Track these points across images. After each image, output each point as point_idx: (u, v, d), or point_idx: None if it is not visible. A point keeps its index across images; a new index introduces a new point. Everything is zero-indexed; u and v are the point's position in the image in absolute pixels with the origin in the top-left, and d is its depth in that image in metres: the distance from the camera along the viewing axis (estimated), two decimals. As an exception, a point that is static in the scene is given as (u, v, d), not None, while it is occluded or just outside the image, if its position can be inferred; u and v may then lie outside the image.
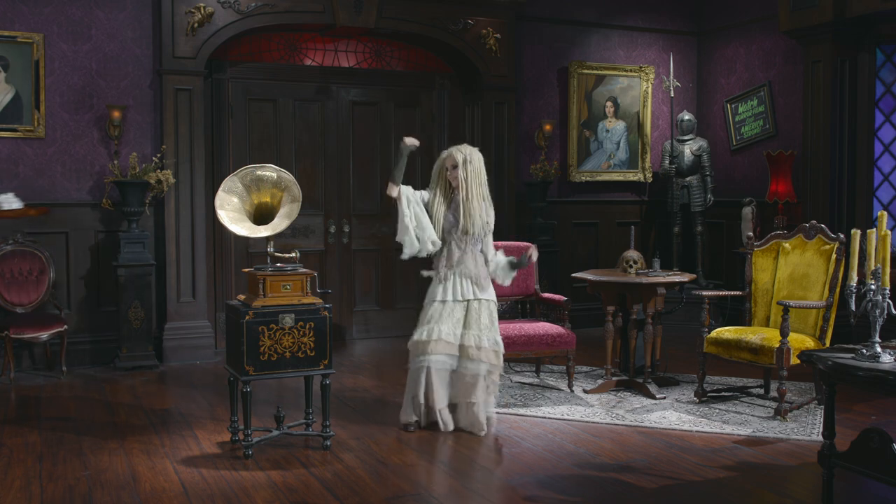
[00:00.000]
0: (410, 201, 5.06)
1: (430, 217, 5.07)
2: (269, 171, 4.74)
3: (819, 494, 3.92)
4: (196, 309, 7.28)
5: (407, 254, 5.07)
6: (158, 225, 7.22)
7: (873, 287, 3.71)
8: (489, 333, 5.03)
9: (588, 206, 9.08)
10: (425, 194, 5.15)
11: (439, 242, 5.07)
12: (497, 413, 5.46)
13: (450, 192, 5.11)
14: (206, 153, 7.39)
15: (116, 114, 6.95)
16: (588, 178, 8.99)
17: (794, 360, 5.21)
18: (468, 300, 5.04)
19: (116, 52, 7.13)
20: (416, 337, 5.03)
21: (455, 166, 5.03)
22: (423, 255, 5.11)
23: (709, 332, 5.72)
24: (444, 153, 5.13)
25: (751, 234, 6.30)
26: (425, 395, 5.00)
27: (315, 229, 8.10)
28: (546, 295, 6.39)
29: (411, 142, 5.03)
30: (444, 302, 5.01)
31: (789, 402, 5.49)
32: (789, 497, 4.10)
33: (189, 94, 7.20)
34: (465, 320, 5.01)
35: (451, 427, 5.07)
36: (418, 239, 5.04)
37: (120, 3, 7.13)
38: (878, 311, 3.71)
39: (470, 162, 5.03)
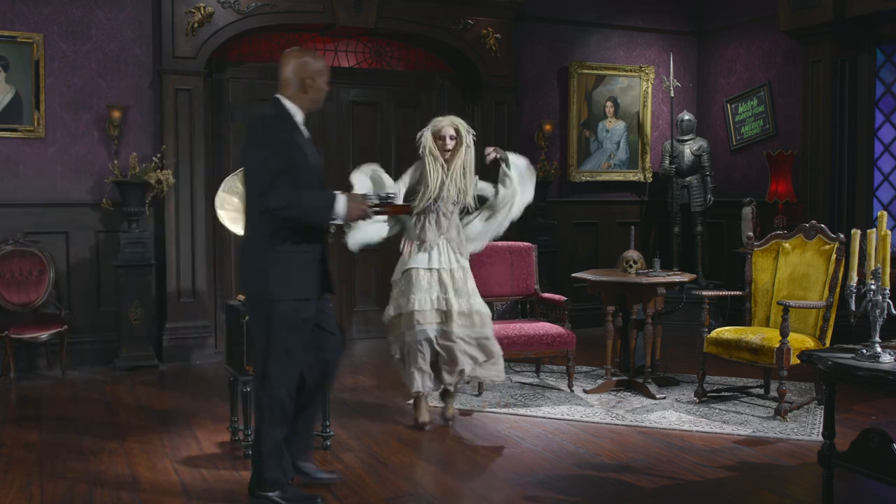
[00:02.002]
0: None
1: (416, 190, 5.05)
2: (269, 171, 4.74)
3: (819, 494, 3.92)
4: (196, 309, 7.28)
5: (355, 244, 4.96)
6: (158, 225, 7.22)
7: (873, 287, 3.71)
8: (477, 298, 5.08)
9: (588, 206, 9.08)
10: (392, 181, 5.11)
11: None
12: (497, 413, 5.47)
13: (438, 162, 5.07)
14: (206, 153, 7.39)
15: (116, 114, 6.95)
16: (588, 178, 8.99)
17: (794, 360, 5.20)
18: (452, 268, 5.05)
19: (116, 52, 7.13)
20: (410, 307, 4.97)
21: (453, 137, 5.05)
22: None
23: (709, 332, 5.72)
24: (436, 123, 5.10)
25: (751, 234, 6.30)
26: (429, 364, 5.00)
27: (315, 229, 8.08)
28: (546, 295, 6.39)
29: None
30: (430, 269, 5.02)
31: (789, 402, 5.49)
32: (789, 497, 4.10)
33: (189, 94, 7.20)
34: (453, 287, 5.01)
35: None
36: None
37: (120, 3, 7.13)
38: (878, 311, 3.71)
39: (468, 131, 5.11)
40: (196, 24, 7.15)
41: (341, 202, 3.71)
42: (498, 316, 6.82)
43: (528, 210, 8.36)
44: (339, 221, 3.74)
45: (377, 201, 3.95)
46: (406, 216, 5.13)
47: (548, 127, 8.62)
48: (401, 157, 8.40)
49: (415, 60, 8.49)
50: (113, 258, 6.99)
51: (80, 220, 7.04)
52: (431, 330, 4.97)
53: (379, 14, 7.73)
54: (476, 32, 8.21)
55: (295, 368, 3.80)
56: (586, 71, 8.90)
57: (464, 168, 5.09)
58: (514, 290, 6.36)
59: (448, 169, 5.06)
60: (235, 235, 4.64)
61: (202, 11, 7.15)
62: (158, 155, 7.06)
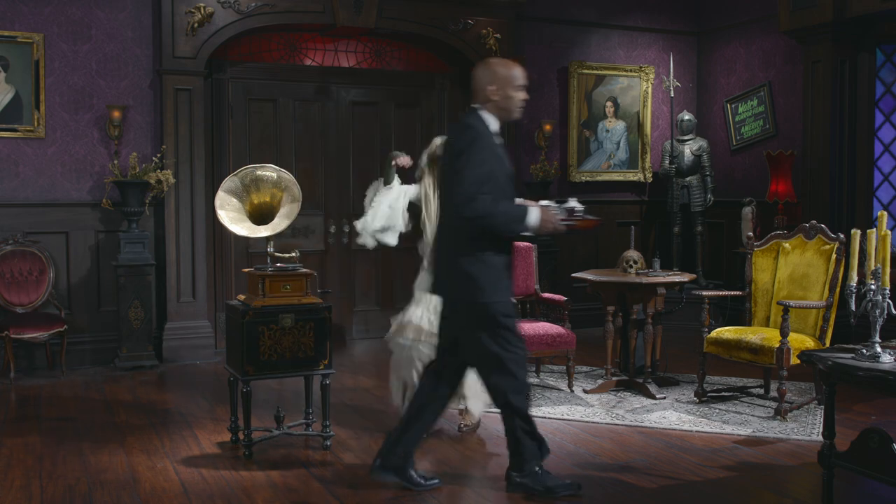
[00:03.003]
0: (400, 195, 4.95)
1: (423, 209, 4.93)
2: (269, 171, 4.74)
3: (819, 494, 3.92)
4: (196, 309, 7.28)
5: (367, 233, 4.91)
6: (158, 225, 7.22)
7: (873, 287, 3.71)
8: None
9: (588, 206, 9.01)
10: (411, 190, 5.02)
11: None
12: (497, 413, 5.43)
13: (435, 184, 4.91)
14: (206, 153, 7.39)
15: (116, 114, 6.95)
16: (588, 178, 8.99)
17: (794, 360, 5.20)
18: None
19: (116, 52, 7.13)
20: (404, 319, 4.93)
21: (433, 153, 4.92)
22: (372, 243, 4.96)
23: (709, 332, 5.72)
24: (438, 142, 4.97)
25: (751, 234, 6.30)
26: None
27: (315, 229, 8.10)
28: (546, 295, 6.39)
29: (403, 161, 4.90)
30: (430, 292, 4.87)
31: (789, 402, 5.49)
32: (789, 497, 4.10)
33: (189, 94, 7.21)
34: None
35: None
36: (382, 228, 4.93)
37: (120, 3, 7.13)
38: (878, 311, 3.71)
39: None
40: (196, 24, 7.15)
41: (534, 215, 3.82)
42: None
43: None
44: (529, 233, 3.85)
45: (566, 214, 3.99)
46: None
47: (548, 127, 8.62)
48: (401, 157, 8.40)
49: (415, 60, 8.49)
50: (113, 258, 6.99)
51: (80, 220, 7.04)
52: (423, 346, 4.82)
53: (379, 14, 7.73)
54: (476, 32, 8.21)
55: (524, 350, 3.99)
56: (586, 71, 8.90)
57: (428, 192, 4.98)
58: (514, 289, 6.35)
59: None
60: (234, 235, 4.62)
61: (202, 11, 7.15)
62: (158, 155, 7.06)
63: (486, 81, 3.88)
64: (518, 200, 4.00)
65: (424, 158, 5.03)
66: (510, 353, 3.90)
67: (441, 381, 4.08)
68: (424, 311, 4.88)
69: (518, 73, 3.91)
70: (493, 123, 3.89)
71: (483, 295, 3.84)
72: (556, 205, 4.01)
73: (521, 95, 3.93)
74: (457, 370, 4.11)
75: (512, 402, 3.95)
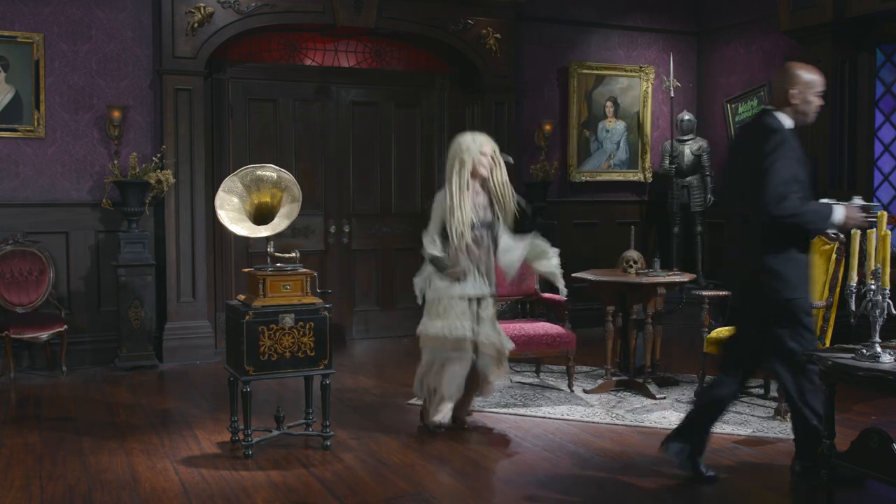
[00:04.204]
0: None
1: (452, 213, 4.84)
2: (269, 171, 4.74)
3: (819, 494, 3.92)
4: (196, 309, 7.28)
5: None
6: (158, 225, 7.22)
7: (873, 287, 3.71)
8: (494, 330, 4.98)
9: (588, 206, 9.08)
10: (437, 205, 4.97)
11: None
12: (497, 413, 5.47)
13: (472, 182, 4.91)
14: (206, 153, 7.39)
15: (116, 114, 6.95)
16: (588, 178, 8.99)
17: (794, 360, 5.19)
18: (483, 296, 4.94)
19: (116, 52, 7.13)
20: (440, 332, 4.84)
21: (491, 155, 4.91)
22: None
23: (709, 332, 5.71)
24: (471, 139, 4.90)
25: (751, 234, 6.29)
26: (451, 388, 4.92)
27: (315, 229, 8.10)
28: (546, 295, 6.39)
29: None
30: (462, 298, 4.86)
31: (789, 402, 5.48)
32: (789, 497, 4.10)
33: (189, 94, 7.20)
34: (479, 315, 4.92)
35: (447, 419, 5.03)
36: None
37: (120, 3, 7.13)
38: (878, 311, 3.70)
39: (503, 155, 5.00)
40: (196, 24, 7.15)
41: (839, 213, 3.95)
42: (498, 316, 6.80)
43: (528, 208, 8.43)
44: (833, 231, 4.03)
45: (864, 213, 4.07)
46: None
47: (548, 127, 8.62)
48: (401, 157, 8.41)
49: (415, 60, 8.49)
50: (113, 258, 6.99)
51: (80, 220, 7.04)
52: (463, 357, 4.85)
53: (379, 14, 7.73)
54: (476, 32, 8.21)
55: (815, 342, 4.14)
56: (586, 71, 8.90)
57: (504, 185, 4.98)
58: (514, 290, 6.36)
59: (485, 190, 4.95)
60: (234, 235, 4.62)
61: (202, 11, 7.15)
62: (158, 155, 7.06)
63: (787, 85, 4.00)
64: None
65: (465, 151, 4.88)
66: (808, 337, 4.02)
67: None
68: (459, 322, 4.84)
69: (819, 80, 4.03)
70: (790, 125, 4.02)
71: (788, 291, 3.98)
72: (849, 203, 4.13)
73: (819, 102, 4.05)
74: (746, 364, 4.23)
75: (808, 401, 4.06)
